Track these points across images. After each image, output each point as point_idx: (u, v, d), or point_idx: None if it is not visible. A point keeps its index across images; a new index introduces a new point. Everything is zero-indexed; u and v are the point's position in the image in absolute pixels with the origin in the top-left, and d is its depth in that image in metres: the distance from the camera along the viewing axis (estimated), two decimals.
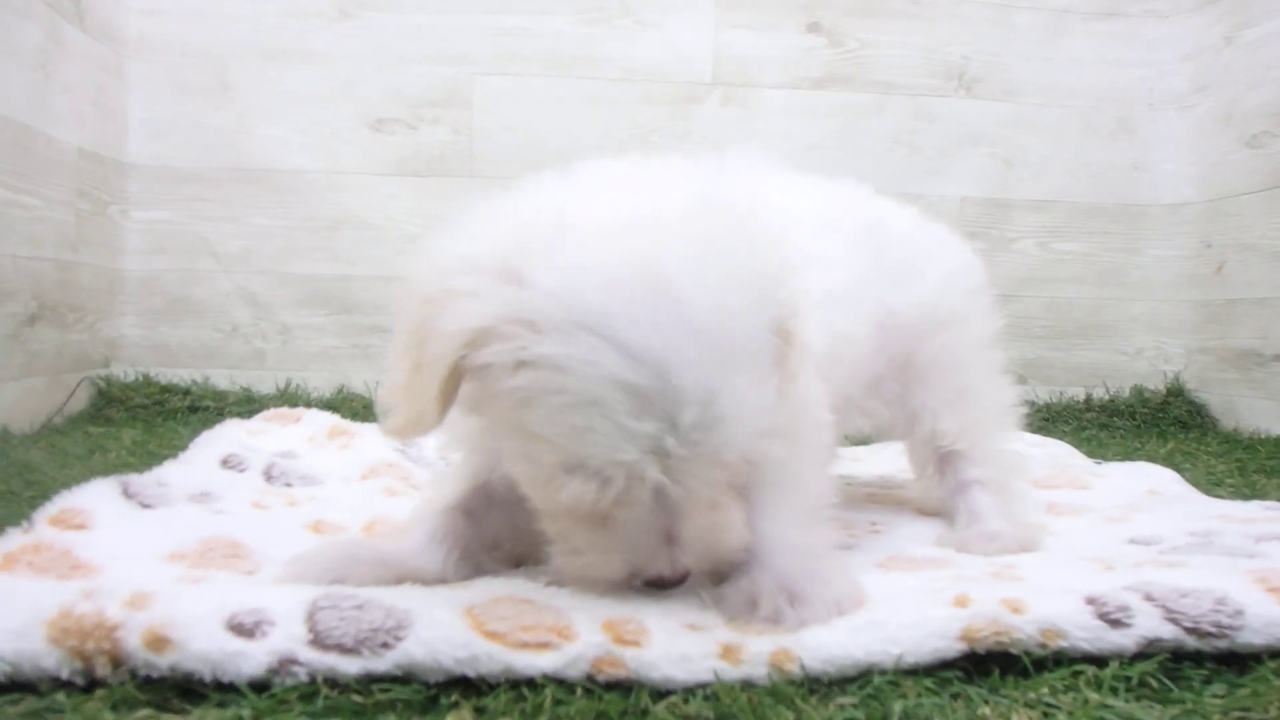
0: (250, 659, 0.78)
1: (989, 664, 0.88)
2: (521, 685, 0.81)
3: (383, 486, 1.43)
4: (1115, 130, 3.02)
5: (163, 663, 0.78)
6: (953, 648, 0.87)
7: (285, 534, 1.14)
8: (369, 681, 0.80)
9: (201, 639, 0.78)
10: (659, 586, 0.92)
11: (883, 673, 0.85)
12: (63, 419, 2.36)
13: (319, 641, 0.80)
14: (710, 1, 2.86)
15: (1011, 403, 1.43)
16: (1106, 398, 2.93)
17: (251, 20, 2.74)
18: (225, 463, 1.44)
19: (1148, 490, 1.62)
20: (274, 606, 0.82)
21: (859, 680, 0.85)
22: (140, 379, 2.66)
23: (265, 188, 2.76)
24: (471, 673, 0.80)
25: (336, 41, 2.76)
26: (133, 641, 0.78)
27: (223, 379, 2.73)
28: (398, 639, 0.81)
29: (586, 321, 0.79)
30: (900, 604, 0.92)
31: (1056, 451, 2.00)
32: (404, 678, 0.81)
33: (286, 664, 0.79)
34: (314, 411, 1.81)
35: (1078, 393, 2.95)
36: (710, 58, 2.87)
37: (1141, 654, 0.89)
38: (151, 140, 2.72)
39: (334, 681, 0.79)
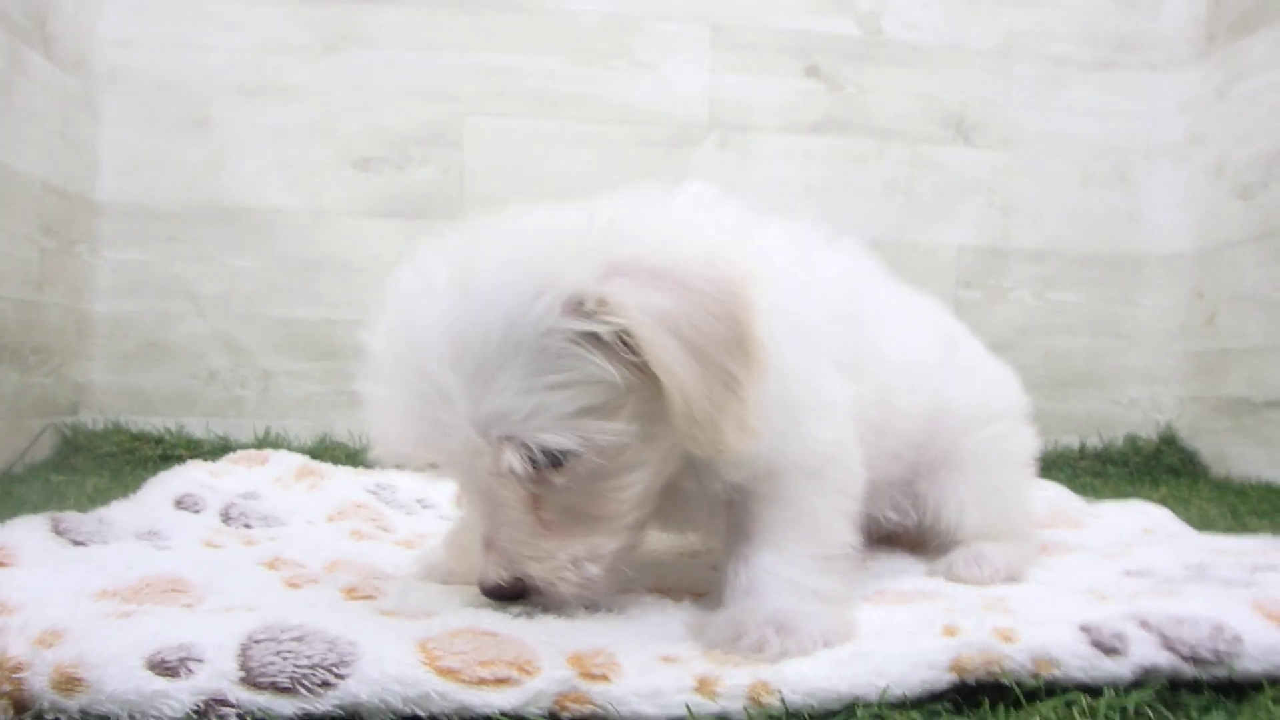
0: (172, 700, 0.72)
1: (979, 695, 0.82)
2: None
3: (350, 529, 1.36)
4: (1111, 180, 3.01)
5: (73, 706, 0.71)
6: (942, 679, 0.81)
7: (237, 570, 1.07)
8: None
9: (118, 679, 0.72)
10: (493, 594, 0.93)
11: (868, 706, 0.79)
12: (24, 466, 2.27)
13: (251, 680, 0.74)
14: (707, 44, 2.84)
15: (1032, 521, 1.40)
16: (1100, 446, 2.89)
17: (230, 54, 2.68)
18: (179, 503, 1.36)
19: (1143, 529, 1.57)
20: (203, 641, 0.76)
21: (843, 714, 0.79)
22: (110, 426, 2.57)
23: (243, 227, 2.69)
24: (422, 713, 0.74)
25: (318, 77, 2.71)
26: (39, 683, 0.71)
27: (199, 427, 2.65)
28: (340, 676, 0.74)
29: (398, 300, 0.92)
30: (888, 636, 0.86)
31: (1050, 494, 1.95)
32: (347, 718, 0.74)
33: (214, 705, 0.72)
34: (283, 453, 1.74)
35: (1072, 441, 2.90)
36: (707, 100, 2.84)
37: (1137, 683, 0.84)
38: (123, 177, 2.65)
39: None
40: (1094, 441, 2.89)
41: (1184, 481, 2.57)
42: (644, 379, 0.87)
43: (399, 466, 0.95)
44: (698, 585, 1.11)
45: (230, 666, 0.74)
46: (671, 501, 1.02)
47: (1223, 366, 2.77)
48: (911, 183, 2.91)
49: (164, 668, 0.73)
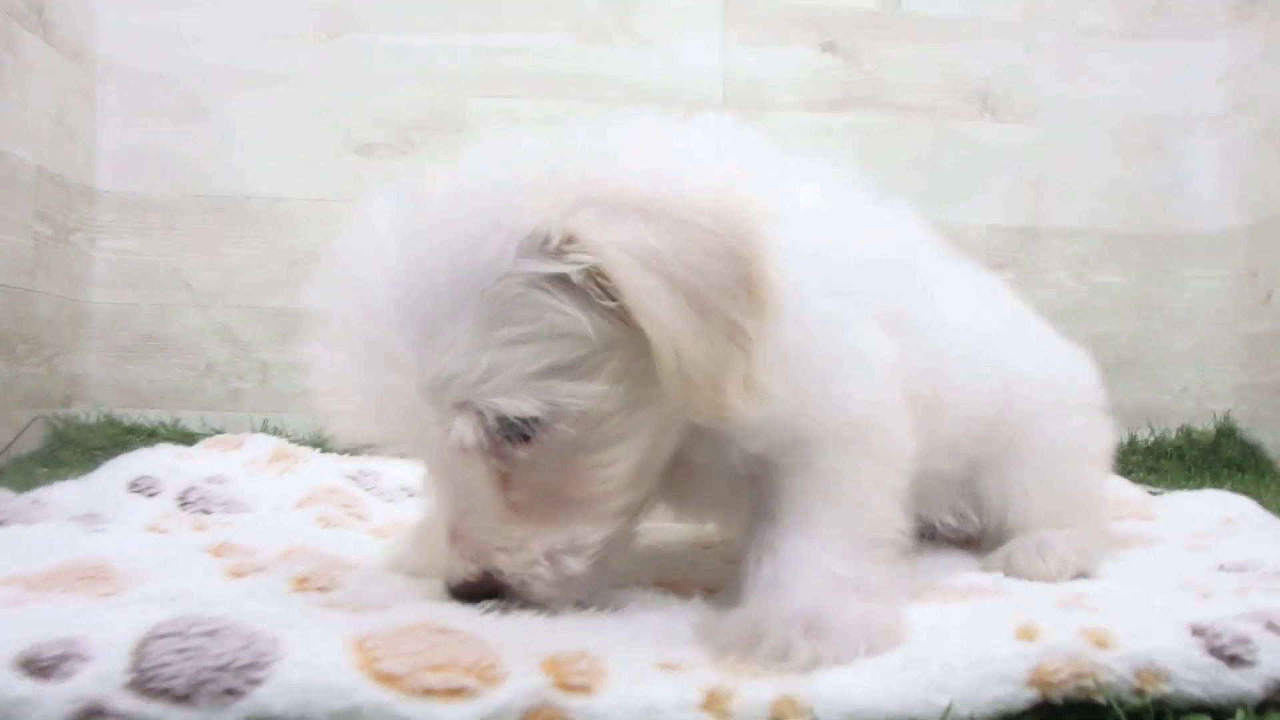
0: (40, 709, 0.56)
1: (1067, 716, 0.65)
2: None
3: (317, 515, 1.21)
4: (1149, 153, 2.81)
5: None
6: (1020, 696, 0.64)
7: (176, 557, 0.93)
8: None
9: None
10: (459, 595, 0.77)
11: None
12: (9, 459, 2.15)
13: (140, 684, 0.58)
14: (718, 19, 2.69)
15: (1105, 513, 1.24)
16: (1152, 439, 2.69)
17: (229, 42, 2.57)
18: (134, 485, 1.23)
19: (1223, 519, 1.38)
20: (94, 636, 0.61)
21: None
22: (103, 419, 2.45)
23: (242, 217, 2.57)
24: None
25: (318, 63, 2.59)
26: None
27: (195, 421, 2.52)
28: (252, 682, 0.58)
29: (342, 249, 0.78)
30: (948, 639, 0.69)
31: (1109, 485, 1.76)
32: None
33: (92, 715, 0.57)
34: (260, 436, 1.60)
35: (1121, 434, 2.69)
36: (719, 77, 2.69)
37: (1267, 701, 0.66)
38: (121, 166, 2.54)
39: None
40: (1145, 434, 2.69)
41: (1248, 477, 2.37)
42: (630, 331, 0.71)
43: (355, 443, 0.80)
44: (712, 581, 0.94)
45: (118, 668, 0.59)
46: (683, 480, 0.87)
47: None
48: (936, 159, 2.74)
49: (36, 667, 0.58)
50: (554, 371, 0.70)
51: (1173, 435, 2.69)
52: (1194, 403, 2.78)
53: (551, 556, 0.76)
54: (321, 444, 2.27)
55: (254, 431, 2.43)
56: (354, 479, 1.44)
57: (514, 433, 0.72)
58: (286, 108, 2.58)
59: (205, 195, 2.56)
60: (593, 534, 0.77)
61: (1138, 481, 2.23)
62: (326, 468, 1.46)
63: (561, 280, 0.70)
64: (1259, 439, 2.62)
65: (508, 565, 0.75)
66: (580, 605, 0.78)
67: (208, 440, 1.60)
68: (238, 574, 0.88)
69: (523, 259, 0.69)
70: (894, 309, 0.91)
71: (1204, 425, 2.71)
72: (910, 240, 1.07)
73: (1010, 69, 2.77)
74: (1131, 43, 2.80)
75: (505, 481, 0.75)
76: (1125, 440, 2.66)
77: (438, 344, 0.70)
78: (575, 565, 0.77)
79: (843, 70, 2.73)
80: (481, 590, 0.76)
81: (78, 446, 2.33)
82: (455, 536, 0.76)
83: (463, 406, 0.70)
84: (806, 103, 2.71)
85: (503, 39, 2.63)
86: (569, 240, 0.69)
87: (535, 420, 0.71)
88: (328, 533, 1.13)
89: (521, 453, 0.73)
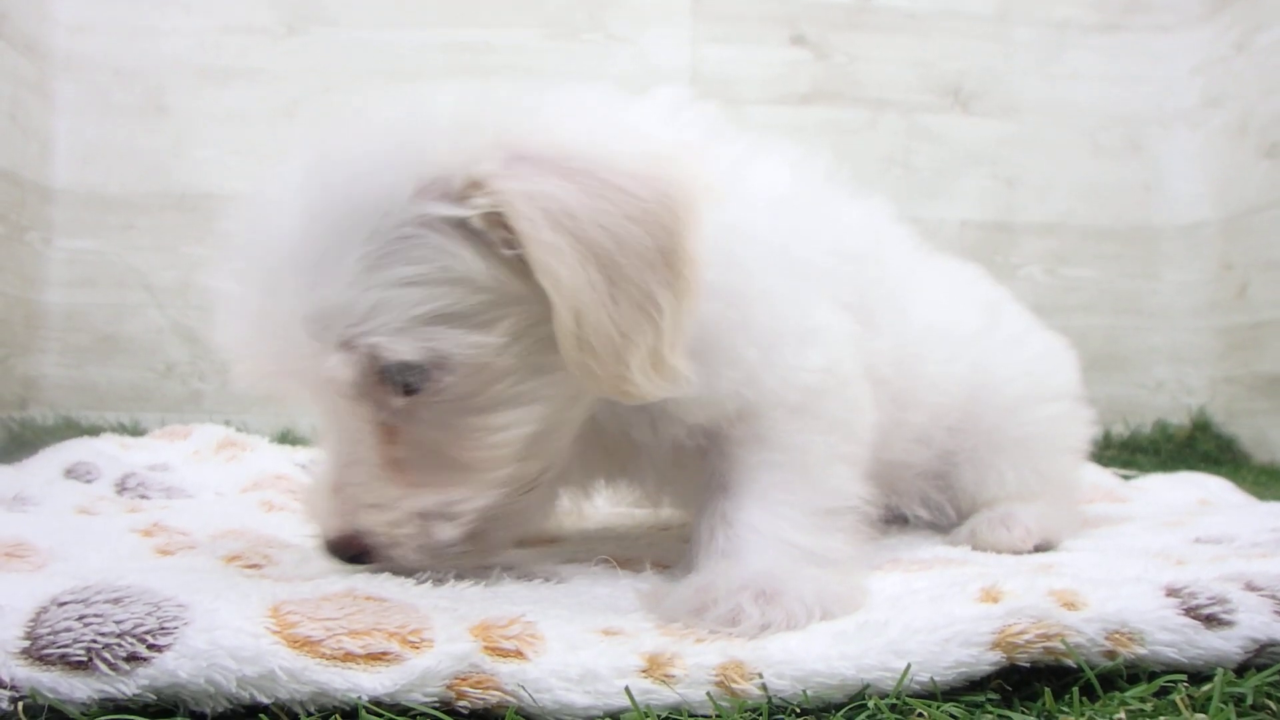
0: None
1: (1035, 681, 0.61)
2: (339, 716, 0.54)
3: (260, 500, 1.16)
4: (1123, 148, 2.79)
5: None
6: (983, 659, 0.60)
7: (101, 536, 0.88)
8: (112, 710, 0.53)
9: None
10: (330, 550, 0.73)
11: (883, 695, 0.58)
12: None
13: (35, 651, 0.54)
14: (687, 14, 2.65)
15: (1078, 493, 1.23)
16: (1127, 434, 2.67)
17: (190, 37, 2.52)
18: (70, 471, 1.19)
19: (1198, 500, 1.36)
20: None
21: (848, 707, 0.58)
22: (61, 421, 2.39)
23: (202, 215, 2.49)
24: (265, 698, 0.54)
25: (281, 58, 2.54)
26: None
27: (155, 422, 2.45)
28: (155, 648, 0.54)
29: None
30: (907, 603, 0.65)
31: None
32: (163, 706, 0.54)
33: None
34: (208, 426, 1.55)
35: (1095, 430, 2.68)
36: (688, 73, 2.65)
37: (1249, 664, 0.63)
38: (78, 164, 2.48)
39: (55, 712, 0.52)
40: (1120, 429, 2.67)
41: (1224, 470, 2.34)
42: (535, 289, 0.68)
43: (250, 381, 0.76)
44: (666, 558, 0.89)
45: (12, 635, 0.54)
46: (629, 460, 0.84)
47: (1257, 342, 2.54)
48: (908, 155, 2.71)
49: None
50: (443, 318, 0.67)
51: (1148, 430, 2.67)
52: (1169, 397, 2.76)
53: (423, 518, 0.71)
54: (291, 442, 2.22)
55: None
56: (304, 467, 1.39)
57: (400, 380, 0.68)
58: (249, 104, 2.53)
59: (165, 193, 2.51)
60: (470, 501, 0.72)
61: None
62: (275, 456, 1.42)
63: (462, 226, 0.67)
64: (1235, 432, 2.60)
65: (371, 524, 0.71)
66: (525, 576, 0.74)
67: (156, 431, 1.55)
68: (165, 552, 0.84)
69: (420, 200, 0.67)
70: (860, 299, 0.89)
71: (1180, 419, 2.69)
72: (879, 232, 1.05)
73: (983, 64, 2.74)
74: (1106, 36, 2.77)
75: (390, 435, 0.71)
76: (1100, 435, 2.64)
77: (323, 276, 0.66)
78: (446, 532, 0.72)
79: (812, 64, 2.69)
80: (345, 548, 0.72)
81: (34, 449, 2.27)
82: (335, 489, 0.72)
83: (344, 344, 0.66)
84: (777, 97, 2.67)
85: (470, 34, 2.59)
86: (473, 186, 0.67)
87: (419, 368, 0.68)
88: (269, 516, 1.07)
89: (404, 403, 0.69)
